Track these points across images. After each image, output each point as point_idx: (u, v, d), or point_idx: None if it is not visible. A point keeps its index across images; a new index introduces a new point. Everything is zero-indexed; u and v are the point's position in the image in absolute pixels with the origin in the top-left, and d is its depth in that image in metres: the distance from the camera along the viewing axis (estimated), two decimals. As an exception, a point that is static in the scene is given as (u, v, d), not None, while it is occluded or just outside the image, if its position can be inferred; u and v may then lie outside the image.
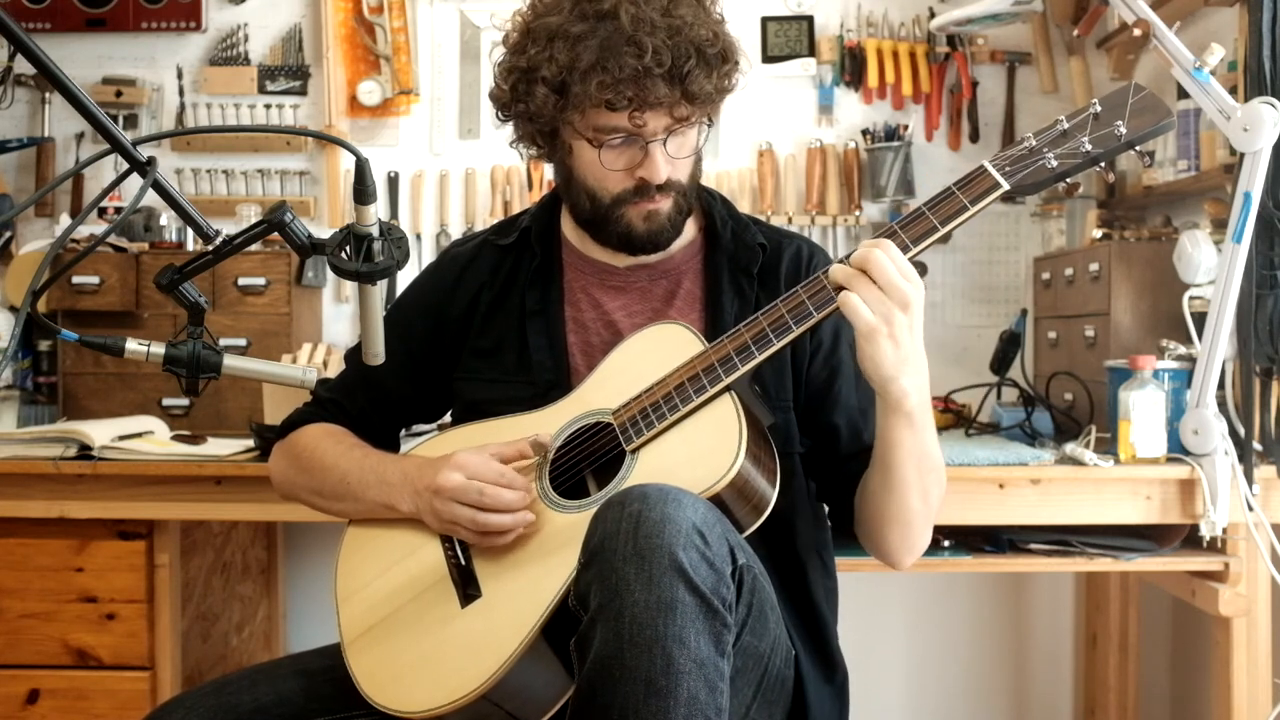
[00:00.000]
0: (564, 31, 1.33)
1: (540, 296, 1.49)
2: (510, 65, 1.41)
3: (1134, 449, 1.95)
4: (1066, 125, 1.26)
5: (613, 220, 1.42)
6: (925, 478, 1.33)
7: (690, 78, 1.33)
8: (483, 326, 1.51)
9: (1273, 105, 1.81)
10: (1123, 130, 1.23)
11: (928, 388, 1.29)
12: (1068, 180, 1.27)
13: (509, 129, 1.49)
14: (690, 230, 1.52)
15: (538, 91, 1.36)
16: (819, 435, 1.46)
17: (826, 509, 1.52)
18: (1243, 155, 1.85)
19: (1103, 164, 1.26)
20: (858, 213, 2.68)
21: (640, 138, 1.36)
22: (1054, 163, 1.25)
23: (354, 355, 1.59)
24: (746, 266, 1.48)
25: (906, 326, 1.23)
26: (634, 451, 1.31)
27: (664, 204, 1.42)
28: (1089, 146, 1.24)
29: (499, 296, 1.51)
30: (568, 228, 1.54)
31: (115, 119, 2.53)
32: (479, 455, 1.33)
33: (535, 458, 1.35)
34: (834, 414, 1.45)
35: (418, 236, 2.72)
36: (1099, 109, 1.25)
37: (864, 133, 2.68)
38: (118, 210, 2.60)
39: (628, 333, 1.45)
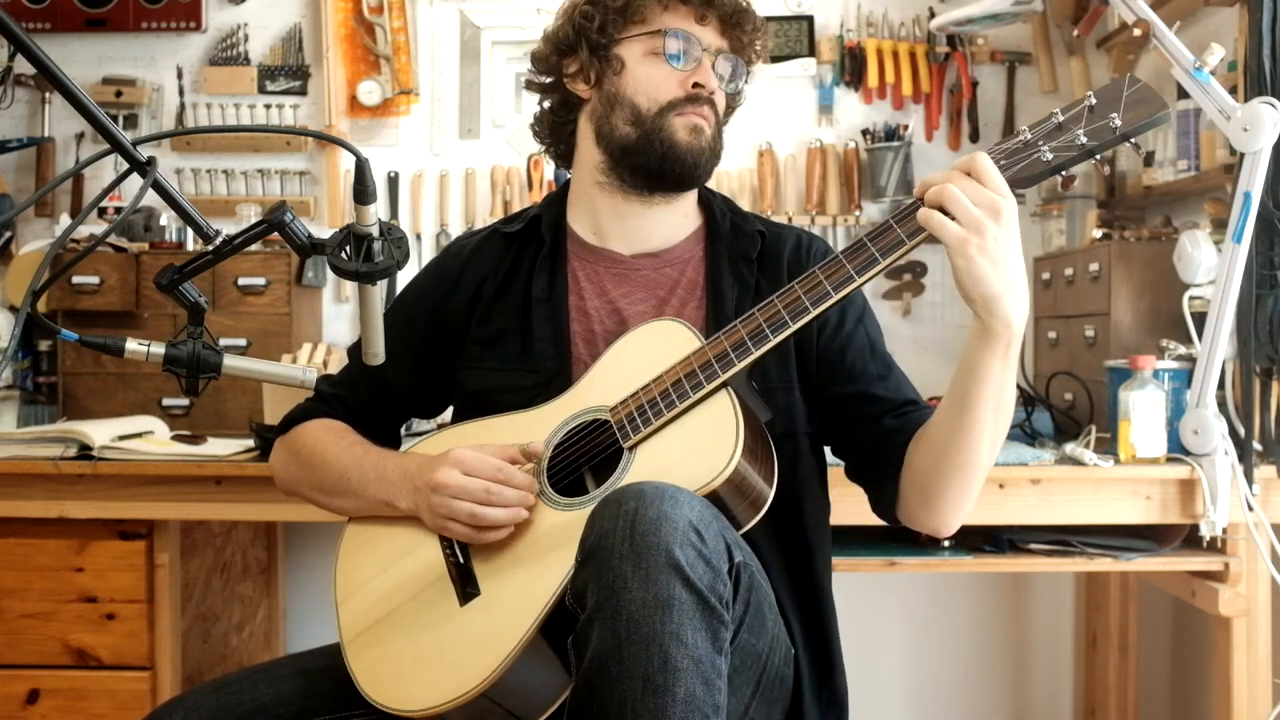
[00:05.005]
0: None
1: (546, 284, 1.50)
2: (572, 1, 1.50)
3: (1134, 449, 1.95)
4: (1061, 118, 1.25)
5: (656, 131, 1.44)
6: (999, 423, 1.30)
7: (745, 11, 1.49)
8: (485, 316, 1.52)
9: (1273, 105, 1.81)
10: (1118, 122, 1.22)
11: (1026, 317, 1.24)
12: (1063, 173, 1.26)
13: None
14: (693, 222, 1.54)
15: None
16: (840, 406, 1.45)
17: (866, 492, 1.48)
18: (1243, 155, 1.85)
19: (1098, 157, 1.25)
20: (858, 213, 2.68)
21: (697, 44, 1.45)
22: (1049, 156, 1.24)
23: (356, 350, 1.60)
24: (745, 253, 1.50)
25: (1002, 238, 1.18)
26: (631, 448, 1.31)
27: (708, 120, 1.46)
28: (1084, 139, 1.23)
29: (502, 285, 1.52)
30: (575, 219, 1.55)
31: (115, 119, 2.54)
32: (476, 452, 1.34)
33: (528, 465, 1.35)
34: (850, 384, 1.44)
35: (418, 236, 2.72)
36: (1094, 102, 1.24)
37: (864, 133, 2.68)
38: (118, 210, 2.60)
39: (631, 320, 1.46)
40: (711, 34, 1.47)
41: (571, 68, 1.51)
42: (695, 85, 1.45)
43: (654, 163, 1.45)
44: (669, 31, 1.45)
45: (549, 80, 1.55)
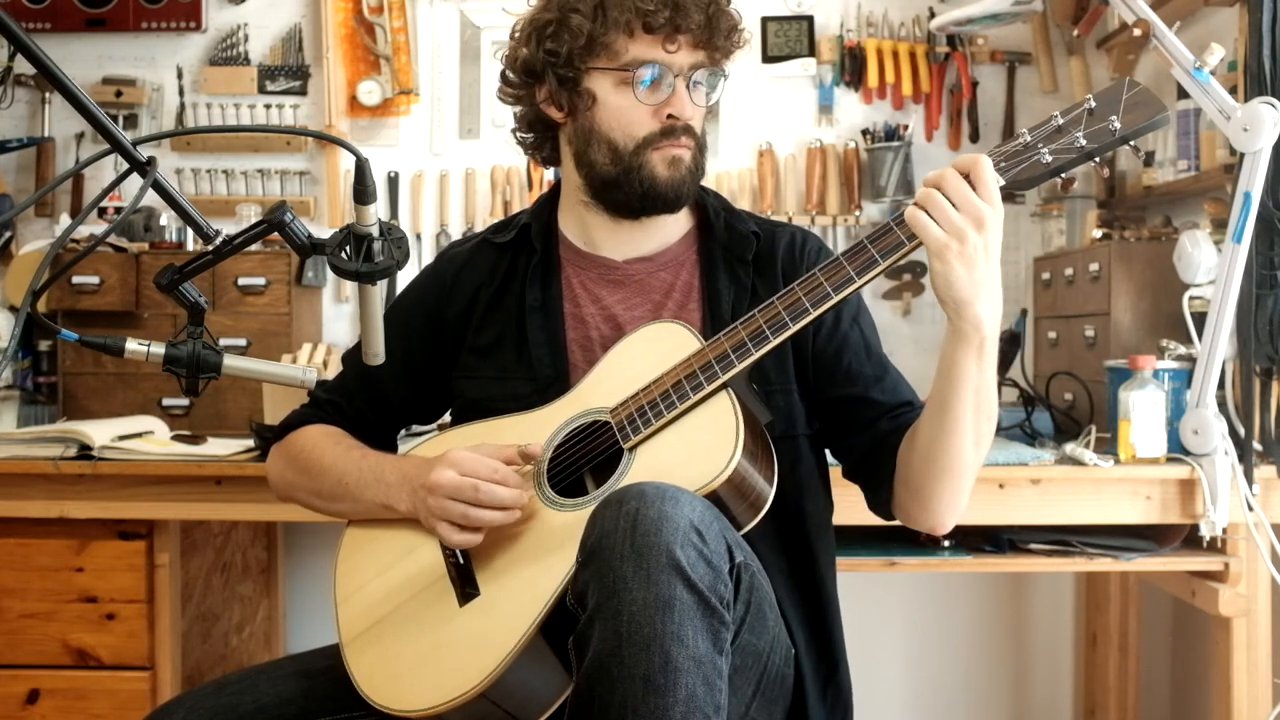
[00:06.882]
0: None
1: (540, 292, 1.50)
2: (535, 19, 1.45)
3: (1134, 449, 1.95)
4: (1061, 121, 1.25)
5: (635, 169, 1.42)
6: (980, 424, 1.31)
7: (717, 17, 1.41)
8: (481, 324, 1.51)
9: (1273, 105, 1.81)
10: (1117, 125, 1.23)
11: (999, 320, 1.26)
12: (1063, 175, 1.27)
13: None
14: (686, 223, 1.53)
15: (573, 22, 1.39)
16: (837, 410, 1.46)
17: (862, 492, 1.49)
18: (1243, 155, 1.85)
19: (1098, 159, 1.26)
20: (858, 213, 2.68)
21: (669, 72, 1.40)
22: (1049, 158, 1.24)
23: (351, 356, 1.59)
24: (741, 254, 1.49)
25: (981, 247, 1.20)
26: (631, 449, 1.31)
27: (686, 150, 1.44)
28: (1084, 141, 1.24)
29: (497, 294, 1.51)
30: (566, 225, 1.54)
31: (115, 119, 2.53)
32: (472, 453, 1.33)
33: (526, 466, 1.35)
34: (848, 387, 1.44)
35: (418, 236, 2.72)
36: (1093, 104, 1.25)
37: (864, 133, 2.68)
38: (118, 210, 2.60)
39: (628, 326, 1.45)
40: (684, 55, 1.41)
41: (541, 94, 1.47)
42: (670, 117, 1.42)
43: (635, 200, 1.44)
44: (637, 65, 1.39)
45: (521, 94, 1.52)
